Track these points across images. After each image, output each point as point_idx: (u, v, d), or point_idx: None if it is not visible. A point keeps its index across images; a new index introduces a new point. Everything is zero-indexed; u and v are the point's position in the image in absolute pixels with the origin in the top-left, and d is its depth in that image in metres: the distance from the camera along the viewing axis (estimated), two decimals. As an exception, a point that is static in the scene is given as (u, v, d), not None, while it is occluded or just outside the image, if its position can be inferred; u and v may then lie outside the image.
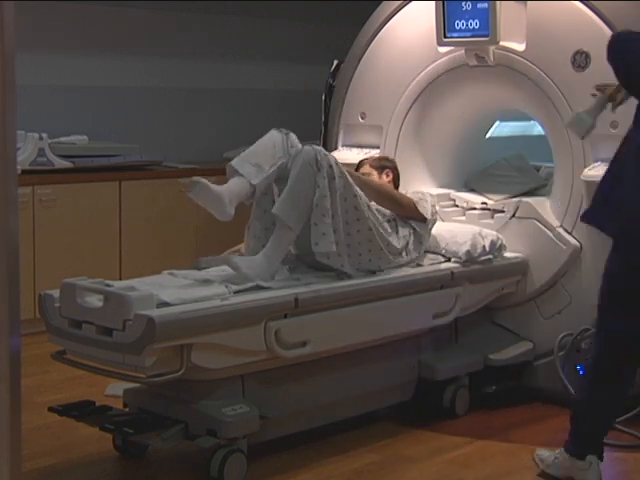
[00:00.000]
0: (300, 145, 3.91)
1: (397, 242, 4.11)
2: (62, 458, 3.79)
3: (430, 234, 4.35)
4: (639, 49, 3.46)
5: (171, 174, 6.24)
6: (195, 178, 3.75)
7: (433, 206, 4.35)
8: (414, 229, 4.23)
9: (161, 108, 6.73)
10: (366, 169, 4.47)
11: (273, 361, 3.69)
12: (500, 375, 4.49)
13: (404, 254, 4.16)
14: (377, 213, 4.08)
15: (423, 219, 4.26)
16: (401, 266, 4.15)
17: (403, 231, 4.18)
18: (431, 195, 4.45)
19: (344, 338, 3.89)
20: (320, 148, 3.91)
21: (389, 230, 4.10)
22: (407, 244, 4.19)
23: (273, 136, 3.92)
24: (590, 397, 3.55)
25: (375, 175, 4.45)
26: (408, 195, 4.34)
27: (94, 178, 5.81)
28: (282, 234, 3.75)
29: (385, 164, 4.55)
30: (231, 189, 3.79)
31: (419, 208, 4.25)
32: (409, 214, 4.23)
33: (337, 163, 3.88)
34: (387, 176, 4.49)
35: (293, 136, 3.95)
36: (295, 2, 7.24)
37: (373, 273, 4.04)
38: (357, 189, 3.92)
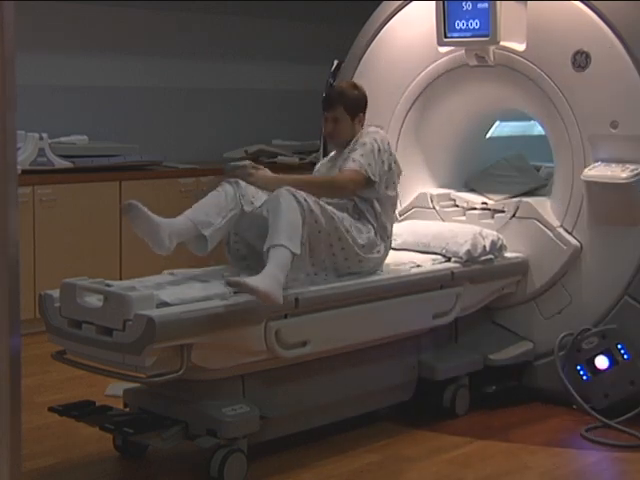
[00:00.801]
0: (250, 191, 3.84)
1: (362, 238, 3.95)
2: (62, 458, 3.79)
3: (391, 197, 4.08)
4: None
5: (171, 174, 6.25)
6: (129, 201, 3.59)
7: (392, 155, 4.08)
8: (371, 205, 4.02)
9: (161, 108, 6.73)
10: (339, 112, 4.08)
11: (273, 361, 3.69)
12: (500, 375, 4.49)
13: (378, 246, 4.02)
14: (344, 219, 3.90)
15: (371, 182, 3.98)
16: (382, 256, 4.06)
17: (365, 219, 4.03)
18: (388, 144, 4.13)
19: (344, 338, 3.89)
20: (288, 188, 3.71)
21: (359, 229, 3.96)
22: (374, 231, 4.01)
23: (224, 188, 3.82)
24: None
25: (347, 120, 4.10)
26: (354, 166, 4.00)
27: (94, 178, 5.82)
28: (280, 254, 3.60)
29: (358, 105, 4.14)
30: (173, 224, 3.70)
31: (362, 173, 3.95)
32: (357, 188, 3.97)
33: (307, 199, 3.72)
34: (360, 123, 4.15)
35: (243, 184, 3.84)
36: (295, 2, 7.25)
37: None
38: (333, 212, 3.83)
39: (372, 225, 3.99)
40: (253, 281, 3.44)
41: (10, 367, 1.89)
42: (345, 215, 3.92)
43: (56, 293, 3.59)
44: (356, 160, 3.99)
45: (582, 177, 4.32)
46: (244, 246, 3.89)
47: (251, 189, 3.85)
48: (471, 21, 4.59)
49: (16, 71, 1.89)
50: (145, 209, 3.60)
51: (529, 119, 4.98)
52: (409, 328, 4.19)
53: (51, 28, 6.15)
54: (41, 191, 5.57)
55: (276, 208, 3.63)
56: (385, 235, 4.05)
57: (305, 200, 3.68)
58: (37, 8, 5.89)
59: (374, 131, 4.12)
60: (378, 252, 4.01)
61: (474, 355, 4.44)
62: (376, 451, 3.90)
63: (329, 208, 3.82)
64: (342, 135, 4.10)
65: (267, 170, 3.95)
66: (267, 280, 3.47)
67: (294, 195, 3.66)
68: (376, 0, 5.10)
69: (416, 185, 4.89)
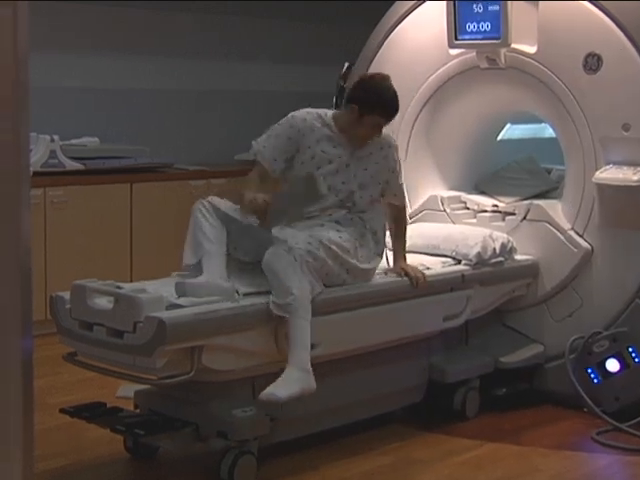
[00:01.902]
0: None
1: (364, 254, 3.92)
2: (73, 459, 3.80)
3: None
4: None
5: (182, 176, 6.26)
6: (179, 282, 3.54)
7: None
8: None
9: (172, 110, 6.74)
10: (378, 126, 3.95)
11: (283, 363, 3.69)
12: (511, 378, 4.49)
13: (379, 254, 4.01)
14: (345, 241, 3.84)
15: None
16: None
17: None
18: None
19: (354, 341, 3.88)
20: (277, 245, 3.65)
21: (361, 244, 3.92)
22: (373, 242, 3.98)
23: (197, 213, 3.76)
24: None
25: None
26: None
27: (105, 180, 5.83)
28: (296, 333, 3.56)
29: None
30: (213, 271, 3.62)
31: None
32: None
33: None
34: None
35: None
36: (307, 4, 7.25)
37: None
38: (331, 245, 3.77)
39: (373, 234, 4.00)
40: (284, 391, 3.43)
41: (22, 369, 1.90)
42: (345, 234, 3.85)
43: (67, 295, 3.60)
44: (400, 189, 4.11)
45: (593, 180, 4.31)
46: (243, 254, 3.87)
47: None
48: (482, 23, 4.58)
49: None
50: (194, 281, 3.54)
51: (540, 121, 4.98)
52: (420, 331, 4.18)
53: (62, 29, 6.16)
54: (52, 193, 5.58)
55: (273, 274, 3.58)
56: (383, 238, 4.08)
57: (300, 248, 3.62)
58: (49, 9, 5.89)
59: (395, 143, 4.12)
60: (379, 256, 4.03)
61: (485, 358, 4.44)
62: (387, 453, 3.90)
63: (328, 239, 3.75)
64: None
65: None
66: (293, 385, 3.46)
67: (288, 253, 3.60)
68: (388, 1, 5.10)
69: (427, 188, 4.89)
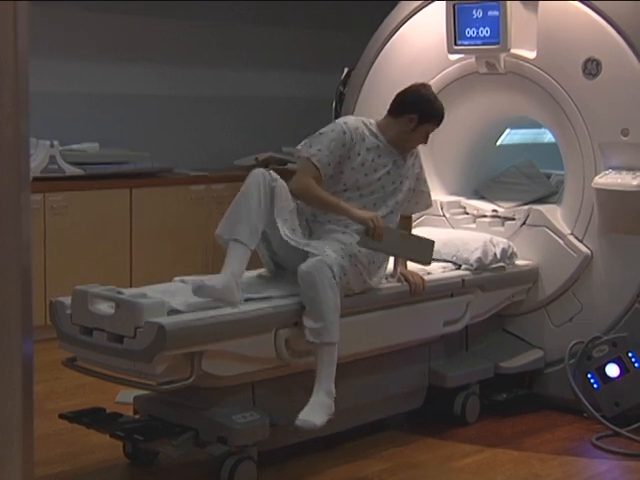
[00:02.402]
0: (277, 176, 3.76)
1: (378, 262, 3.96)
2: (73, 465, 3.80)
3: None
4: None
5: (182, 181, 6.26)
6: (196, 284, 3.50)
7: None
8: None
9: (172, 115, 6.75)
10: (428, 134, 4.07)
11: (283, 369, 3.69)
12: (511, 383, 4.49)
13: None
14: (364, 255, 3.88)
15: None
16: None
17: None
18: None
19: (355, 346, 3.88)
20: (321, 258, 3.63)
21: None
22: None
23: (254, 182, 3.70)
24: None
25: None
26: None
27: (105, 185, 5.83)
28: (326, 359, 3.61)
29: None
30: (234, 271, 3.59)
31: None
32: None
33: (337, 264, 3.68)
34: None
35: (272, 173, 3.76)
36: (306, 11, 7.26)
37: None
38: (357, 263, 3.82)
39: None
40: (319, 418, 3.52)
41: (23, 374, 1.90)
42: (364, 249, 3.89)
43: (67, 300, 3.60)
44: (424, 196, 4.24)
45: (593, 185, 4.31)
46: (272, 258, 3.91)
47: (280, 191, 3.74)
48: (481, 29, 4.59)
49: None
50: (211, 283, 3.50)
51: (539, 126, 4.98)
52: (420, 336, 4.19)
53: (64, 35, 6.17)
54: (52, 198, 5.58)
55: (314, 292, 3.59)
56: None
57: (335, 271, 3.65)
58: (49, 14, 5.90)
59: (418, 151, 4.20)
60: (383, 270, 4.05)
61: (485, 363, 4.44)
62: (387, 459, 3.90)
63: (355, 256, 3.80)
64: None
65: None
66: (324, 410, 3.55)
67: (330, 270, 3.62)
68: (385, 7, 5.11)
69: (426, 193, 4.89)
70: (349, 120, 4.01)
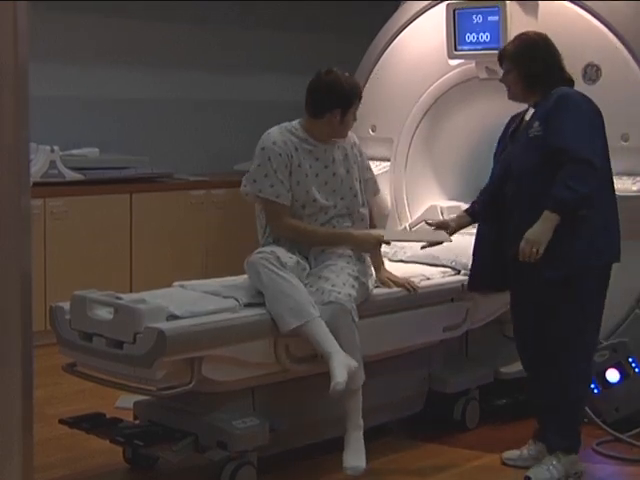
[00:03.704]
0: None
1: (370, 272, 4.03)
2: (72, 470, 3.80)
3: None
4: None
5: (182, 186, 6.26)
6: (336, 388, 3.51)
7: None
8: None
9: (172, 120, 6.75)
10: (354, 115, 3.97)
11: (283, 374, 3.69)
12: (511, 388, 4.48)
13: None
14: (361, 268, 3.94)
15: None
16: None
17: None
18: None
19: (354, 351, 3.88)
20: (342, 298, 3.68)
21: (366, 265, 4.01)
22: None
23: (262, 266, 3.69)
24: None
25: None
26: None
27: (105, 190, 5.83)
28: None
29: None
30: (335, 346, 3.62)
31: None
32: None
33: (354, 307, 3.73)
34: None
35: None
36: (306, 14, 7.27)
37: None
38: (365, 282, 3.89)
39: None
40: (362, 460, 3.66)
41: (22, 379, 1.90)
42: (358, 265, 3.90)
43: (67, 305, 3.61)
44: (376, 185, 4.21)
45: (593, 190, 4.31)
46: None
47: None
48: (481, 34, 4.60)
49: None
50: (343, 380, 3.53)
51: (539, 132, 4.97)
52: (420, 341, 4.18)
53: (64, 40, 6.17)
54: (52, 203, 5.59)
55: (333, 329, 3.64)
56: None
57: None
58: (48, 18, 5.90)
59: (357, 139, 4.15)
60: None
61: (484, 368, 4.43)
62: (387, 464, 3.90)
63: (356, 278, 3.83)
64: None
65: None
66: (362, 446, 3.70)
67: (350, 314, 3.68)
68: (386, 11, 5.12)
69: (426, 198, 4.90)
70: (276, 138, 3.87)
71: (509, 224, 3.75)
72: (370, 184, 4.11)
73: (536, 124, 3.66)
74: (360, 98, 3.98)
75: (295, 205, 3.88)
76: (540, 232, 3.55)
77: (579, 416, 3.85)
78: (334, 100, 3.86)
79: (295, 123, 3.96)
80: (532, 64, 3.72)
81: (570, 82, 3.79)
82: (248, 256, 3.78)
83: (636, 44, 4.28)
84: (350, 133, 4.03)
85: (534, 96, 3.74)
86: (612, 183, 3.75)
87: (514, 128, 3.84)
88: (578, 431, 3.79)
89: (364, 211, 4.03)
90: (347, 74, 3.96)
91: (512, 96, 3.83)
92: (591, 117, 3.67)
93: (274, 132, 3.93)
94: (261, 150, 3.88)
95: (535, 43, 3.79)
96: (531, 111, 3.76)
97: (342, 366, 3.53)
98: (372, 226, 4.09)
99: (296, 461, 3.84)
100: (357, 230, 3.90)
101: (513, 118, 3.91)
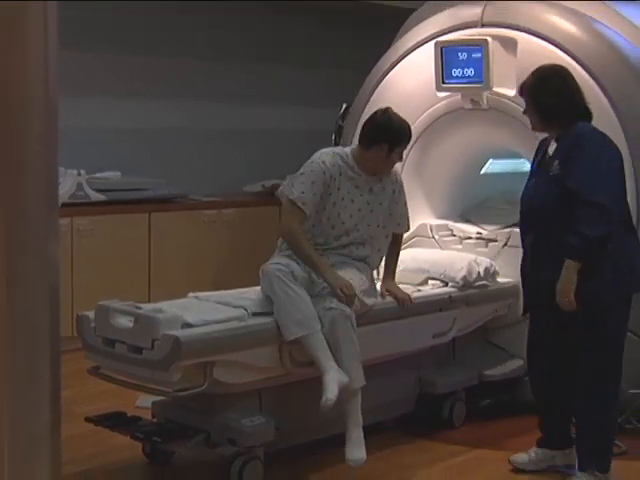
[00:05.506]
0: None
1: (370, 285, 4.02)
2: (97, 463, 3.81)
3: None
4: None
5: (196, 206, 6.28)
6: (327, 403, 3.52)
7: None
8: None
9: (187, 146, 6.77)
10: (401, 155, 3.99)
11: (287, 377, 3.69)
12: (494, 389, 4.48)
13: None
14: (365, 282, 3.93)
15: None
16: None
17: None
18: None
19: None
20: (341, 307, 3.68)
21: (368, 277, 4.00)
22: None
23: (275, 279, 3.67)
24: None
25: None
26: None
27: (126, 210, 5.84)
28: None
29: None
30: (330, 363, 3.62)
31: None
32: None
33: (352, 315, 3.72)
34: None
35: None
36: (307, 51, 7.30)
37: None
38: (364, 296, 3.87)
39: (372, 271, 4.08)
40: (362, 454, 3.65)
41: (51, 381, 1.91)
42: (364, 276, 3.92)
43: (92, 314, 3.61)
44: (405, 217, 4.19)
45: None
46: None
47: None
48: (466, 69, 4.62)
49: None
50: (334, 396, 3.54)
51: (519, 157, 4.99)
52: (411, 347, 4.19)
53: (90, 75, 6.19)
54: (78, 222, 5.60)
55: (336, 338, 3.64)
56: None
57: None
58: (75, 57, 5.91)
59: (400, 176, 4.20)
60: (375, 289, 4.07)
61: (470, 371, 4.43)
62: (381, 459, 3.90)
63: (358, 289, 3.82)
64: None
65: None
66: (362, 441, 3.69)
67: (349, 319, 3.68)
68: (381, 48, 5.14)
69: (417, 216, 4.89)
70: (327, 158, 3.86)
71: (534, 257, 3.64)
72: (395, 218, 4.05)
73: (556, 163, 3.52)
74: (409, 140, 3.97)
75: (325, 224, 3.87)
76: (563, 282, 3.43)
77: (613, 439, 3.69)
78: (382, 135, 3.87)
79: (347, 150, 3.98)
80: (544, 98, 3.56)
81: (588, 116, 3.62)
82: (264, 264, 3.76)
83: (608, 83, 4.28)
84: (394, 171, 4.03)
85: (552, 129, 3.60)
86: (631, 220, 3.61)
87: (540, 159, 3.69)
88: (612, 452, 3.65)
89: (384, 242, 4.02)
90: (401, 116, 3.95)
91: (533, 127, 3.69)
92: (609, 158, 3.50)
93: (327, 153, 3.93)
94: (310, 163, 3.88)
95: (548, 78, 3.62)
96: (553, 145, 3.61)
97: (334, 382, 3.52)
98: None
99: (299, 456, 3.83)
100: (332, 271, 3.75)
101: (542, 143, 3.74)
